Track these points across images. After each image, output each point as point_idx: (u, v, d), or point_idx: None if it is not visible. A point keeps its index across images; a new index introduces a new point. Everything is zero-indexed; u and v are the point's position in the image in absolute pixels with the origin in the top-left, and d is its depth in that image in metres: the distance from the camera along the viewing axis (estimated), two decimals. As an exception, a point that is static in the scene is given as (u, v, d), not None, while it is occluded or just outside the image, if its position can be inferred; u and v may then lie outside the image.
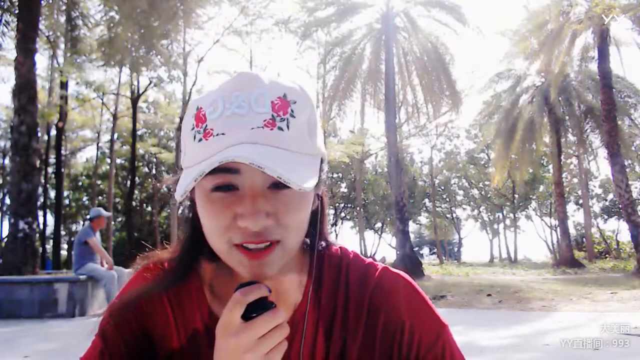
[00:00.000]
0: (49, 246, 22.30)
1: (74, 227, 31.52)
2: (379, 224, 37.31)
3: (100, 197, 28.95)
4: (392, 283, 0.69)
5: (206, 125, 0.57)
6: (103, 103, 24.73)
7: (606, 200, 32.86)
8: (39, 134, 10.41)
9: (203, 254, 0.67)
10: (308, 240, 0.69)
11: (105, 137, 26.15)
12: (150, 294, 0.68)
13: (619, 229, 31.46)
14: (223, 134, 0.55)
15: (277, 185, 0.56)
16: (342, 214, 34.34)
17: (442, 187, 36.54)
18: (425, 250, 56.57)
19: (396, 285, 0.69)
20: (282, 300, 0.67)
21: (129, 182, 23.54)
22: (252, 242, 0.56)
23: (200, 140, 0.57)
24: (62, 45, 15.40)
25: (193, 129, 0.58)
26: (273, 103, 0.57)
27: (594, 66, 15.62)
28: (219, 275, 0.69)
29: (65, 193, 28.41)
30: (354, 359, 0.67)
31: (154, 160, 30.55)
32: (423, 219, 41.56)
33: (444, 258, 37.12)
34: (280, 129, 0.56)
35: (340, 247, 0.74)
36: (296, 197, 0.57)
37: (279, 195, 0.57)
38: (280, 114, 0.57)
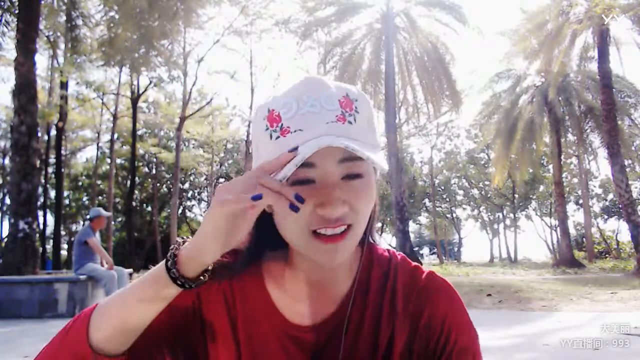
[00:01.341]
0: (49, 246, 22.32)
1: (74, 227, 31.53)
2: (378, 224, 37.30)
3: (100, 197, 28.96)
4: (438, 286, 0.75)
5: (282, 124, 0.63)
6: (103, 103, 24.74)
7: (606, 200, 32.86)
8: (39, 134, 10.41)
9: (267, 249, 0.74)
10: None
11: (105, 137, 26.17)
12: (211, 281, 0.70)
13: (619, 229, 31.49)
14: (301, 130, 0.62)
15: (349, 176, 0.64)
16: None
17: (442, 187, 36.54)
18: (425, 250, 56.58)
19: (441, 288, 0.75)
20: (331, 290, 0.73)
21: (129, 182, 23.54)
22: (330, 226, 0.63)
23: (277, 137, 0.63)
24: (62, 45, 15.39)
25: (267, 129, 0.64)
26: (340, 101, 0.65)
27: (593, 66, 15.62)
28: (280, 268, 0.74)
29: (65, 193, 28.42)
30: (399, 351, 0.72)
31: (154, 160, 30.54)
32: (423, 219, 41.56)
33: (444, 258, 37.13)
34: (350, 122, 0.64)
35: (388, 250, 0.81)
36: (365, 186, 0.65)
37: (351, 185, 0.64)
38: (348, 110, 0.64)
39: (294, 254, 0.72)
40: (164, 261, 0.62)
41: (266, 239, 0.72)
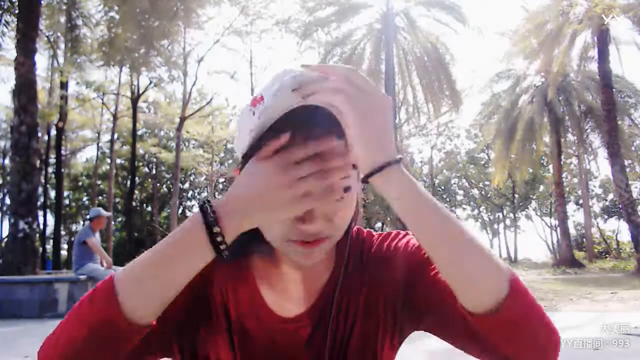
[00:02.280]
0: (49, 246, 22.32)
1: (74, 227, 31.53)
2: (379, 224, 37.33)
3: (100, 197, 28.97)
4: (394, 239, 0.80)
5: (263, 102, 0.63)
6: (103, 103, 24.74)
7: (606, 200, 32.86)
8: (39, 134, 10.40)
9: (254, 245, 0.74)
10: None
11: (105, 137, 26.17)
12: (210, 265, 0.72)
13: (619, 229, 31.49)
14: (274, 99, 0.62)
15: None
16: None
17: (442, 187, 36.53)
18: (425, 250, 56.51)
19: (396, 238, 0.80)
20: (314, 282, 0.76)
21: (129, 182, 23.55)
22: (308, 241, 0.64)
23: (255, 113, 0.64)
24: (62, 45, 15.39)
25: (250, 110, 0.65)
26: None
27: (593, 66, 15.62)
28: (266, 264, 0.76)
29: (65, 193, 28.41)
30: (381, 322, 0.76)
31: (154, 160, 30.54)
32: (423, 219, 41.47)
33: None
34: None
35: (359, 229, 0.83)
36: (348, 201, 0.66)
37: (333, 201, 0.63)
38: None
39: (277, 249, 0.72)
40: (196, 218, 0.58)
41: (254, 234, 0.70)
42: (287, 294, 0.76)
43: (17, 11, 9.67)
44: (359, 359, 0.75)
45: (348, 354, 0.75)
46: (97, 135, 26.66)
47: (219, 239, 0.57)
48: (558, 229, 21.89)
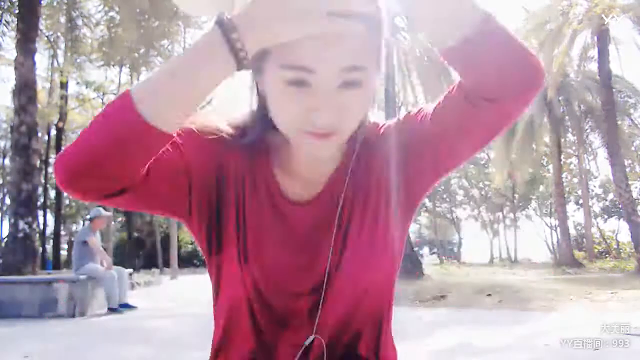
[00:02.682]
0: (49, 246, 22.31)
1: (74, 227, 31.53)
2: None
3: (100, 197, 28.92)
4: (389, 125, 0.83)
5: None
6: (103, 103, 24.74)
7: (606, 200, 32.84)
8: (39, 134, 10.40)
9: (269, 134, 0.77)
10: None
11: (105, 137, 26.13)
12: (229, 145, 0.77)
13: (619, 229, 31.44)
14: None
15: (347, 84, 0.63)
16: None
17: (442, 187, 36.54)
18: (425, 250, 56.54)
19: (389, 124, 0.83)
20: (324, 168, 0.79)
21: (129, 182, 23.52)
22: (320, 132, 0.65)
23: None
24: (62, 45, 15.38)
25: None
26: None
27: (593, 66, 15.62)
28: (281, 147, 0.78)
29: (65, 193, 28.39)
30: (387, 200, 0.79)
31: (154, 160, 30.54)
32: (423, 219, 41.55)
33: (443, 258, 37.12)
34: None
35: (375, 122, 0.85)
36: (362, 97, 0.66)
37: (347, 95, 0.64)
38: None
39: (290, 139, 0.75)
40: (213, 30, 0.58)
41: (268, 122, 0.73)
42: (299, 179, 0.78)
43: (17, 11, 9.67)
44: (367, 242, 0.78)
45: (352, 235, 0.78)
46: (97, 135, 26.65)
47: (238, 45, 0.57)
48: (558, 229, 21.90)
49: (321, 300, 0.77)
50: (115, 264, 6.69)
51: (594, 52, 14.81)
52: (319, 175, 0.79)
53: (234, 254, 0.77)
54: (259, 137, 0.77)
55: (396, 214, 0.81)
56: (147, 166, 0.65)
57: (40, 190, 12.81)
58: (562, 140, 20.41)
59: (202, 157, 0.75)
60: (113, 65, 16.04)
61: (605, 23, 12.70)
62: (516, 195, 31.66)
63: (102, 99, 24.66)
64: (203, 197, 0.77)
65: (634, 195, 17.55)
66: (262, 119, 0.74)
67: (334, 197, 0.79)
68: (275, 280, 0.77)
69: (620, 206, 14.97)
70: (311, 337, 0.77)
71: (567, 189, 26.93)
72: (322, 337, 0.77)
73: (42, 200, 21.16)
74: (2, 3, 11.16)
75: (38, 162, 8.78)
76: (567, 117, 19.74)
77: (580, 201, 28.06)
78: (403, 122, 0.81)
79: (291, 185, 0.79)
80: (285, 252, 0.78)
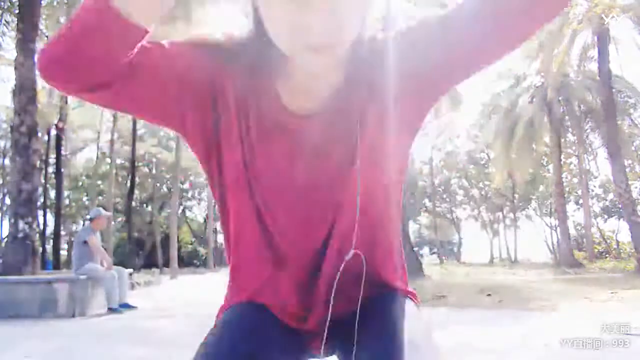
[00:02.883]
0: (49, 246, 22.31)
1: (74, 227, 31.53)
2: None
3: (100, 197, 28.95)
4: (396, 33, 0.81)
5: None
6: (103, 103, 24.71)
7: (606, 200, 32.84)
8: (39, 134, 10.39)
9: (268, 45, 0.75)
10: None
11: (105, 137, 26.15)
12: (229, 60, 0.78)
13: (619, 229, 31.44)
14: None
15: None
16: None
17: (442, 187, 36.54)
18: (425, 250, 56.56)
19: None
20: (325, 80, 0.78)
21: (129, 182, 23.54)
22: (316, 44, 0.65)
23: None
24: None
25: None
26: None
27: (593, 66, 15.62)
28: (282, 60, 0.76)
29: (65, 193, 28.40)
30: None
31: (154, 160, 30.53)
32: (423, 219, 41.56)
33: (443, 258, 37.11)
34: None
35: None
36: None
37: None
38: None
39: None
40: None
41: (267, 41, 0.73)
42: (302, 93, 0.78)
43: (17, 11, 9.66)
44: (377, 151, 0.79)
45: (362, 144, 0.78)
46: (97, 135, 26.64)
47: None
48: (558, 229, 21.90)
49: (335, 209, 0.79)
50: (115, 264, 6.69)
51: (594, 52, 14.82)
52: (322, 87, 0.79)
53: (240, 173, 0.78)
54: (259, 53, 0.77)
55: (402, 125, 0.82)
56: (132, 64, 0.68)
57: (40, 190, 12.80)
58: (562, 140, 20.41)
59: (199, 70, 0.76)
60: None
61: (605, 23, 12.70)
62: (516, 195, 31.66)
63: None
64: (199, 110, 0.77)
65: (634, 195, 17.55)
66: (260, 36, 0.74)
67: (339, 108, 0.79)
68: (286, 193, 0.79)
69: (620, 206, 14.96)
70: (351, 252, 0.78)
71: (567, 189, 26.93)
72: (336, 244, 0.79)
73: (42, 200, 21.16)
74: (2, 3, 11.15)
75: (38, 162, 8.77)
76: (567, 117, 19.74)
77: (580, 201, 28.05)
78: (408, 31, 0.79)
79: (295, 99, 0.79)
80: (294, 166, 0.79)
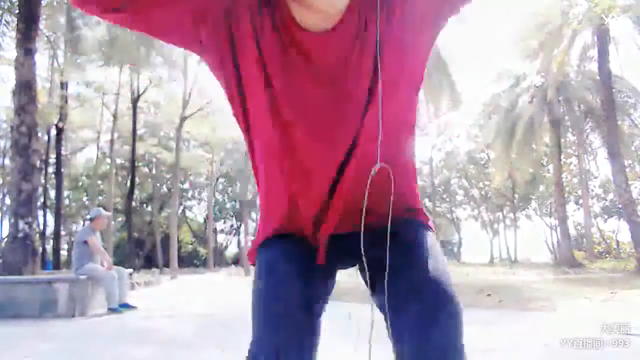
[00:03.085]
0: (49, 246, 22.30)
1: (74, 227, 31.53)
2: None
3: (100, 197, 28.95)
4: None
5: None
6: (103, 103, 24.72)
7: (606, 200, 32.83)
8: (39, 134, 10.39)
9: None
10: None
11: (105, 137, 26.14)
12: None
13: (619, 229, 31.44)
14: None
15: None
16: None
17: (442, 187, 36.53)
18: (425, 250, 56.51)
19: None
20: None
21: (129, 182, 23.54)
22: None
23: None
24: (62, 45, 15.36)
25: None
26: None
27: (593, 66, 15.61)
28: None
29: (65, 193, 28.39)
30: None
31: (154, 160, 30.51)
32: (423, 219, 41.35)
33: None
34: None
35: None
36: None
37: None
38: None
39: None
40: None
41: None
42: (317, 11, 0.80)
43: (17, 11, 9.66)
44: (396, 65, 0.82)
45: (384, 58, 0.81)
46: (97, 135, 26.64)
47: None
48: (558, 229, 21.89)
49: (356, 124, 0.82)
50: (115, 264, 6.68)
51: (594, 52, 14.80)
52: (336, 5, 0.80)
53: (260, 90, 0.82)
54: None
55: (416, 40, 0.86)
56: None
57: (40, 190, 12.80)
58: (562, 140, 20.39)
59: None
60: (113, 65, 16.02)
61: (605, 23, 12.69)
62: (516, 195, 31.66)
63: (102, 99, 24.66)
64: (215, 31, 0.82)
65: (634, 195, 17.55)
66: None
67: (355, 24, 0.81)
68: (307, 109, 0.82)
69: (620, 206, 14.96)
70: (377, 165, 0.81)
71: (567, 189, 26.92)
72: (358, 157, 0.84)
73: (42, 200, 21.16)
74: (2, 3, 11.14)
75: (38, 162, 8.77)
76: (567, 117, 19.73)
77: (580, 201, 28.05)
78: None
79: (309, 18, 0.81)
80: (313, 83, 0.82)
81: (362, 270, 0.92)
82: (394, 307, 0.82)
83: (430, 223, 0.97)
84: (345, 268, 0.99)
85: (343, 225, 0.89)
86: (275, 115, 0.83)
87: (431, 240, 0.90)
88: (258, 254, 0.96)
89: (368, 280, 0.92)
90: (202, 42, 0.84)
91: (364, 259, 0.84)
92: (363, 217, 0.82)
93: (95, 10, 0.79)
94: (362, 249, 0.84)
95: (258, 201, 0.99)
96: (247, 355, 0.85)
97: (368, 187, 0.81)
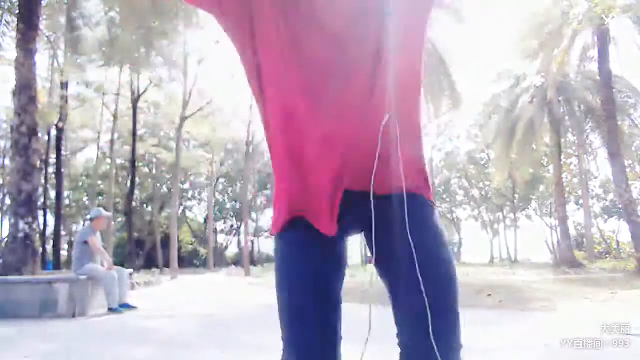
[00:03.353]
0: (49, 246, 22.30)
1: (74, 227, 31.52)
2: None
3: (100, 197, 28.95)
4: None
5: None
6: (103, 103, 24.73)
7: (606, 200, 32.84)
8: (39, 134, 10.38)
9: None
10: None
11: (105, 137, 26.15)
12: None
13: (619, 229, 31.44)
14: None
15: None
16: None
17: (442, 187, 36.53)
18: (425, 250, 56.50)
19: None
20: None
21: (129, 182, 23.54)
22: None
23: None
24: (62, 45, 15.36)
25: None
26: None
27: (593, 66, 15.61)
28: None
29: (65, 193, 28.38)
30: None
31: (154, 160, 30.51)
32: (423, 219, 41.34)
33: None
34: None
35: None
36: None
37: None
38: None
39: None
40: None
41: None
42: None
43: (17, 11, 9.66)
44: (403, 25, 0.90)
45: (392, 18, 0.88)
46: (97, 135, 26.64)
47: None
48: (558, 229, 21.88)
49: (371, 77, 0.88)
50: (115, 264, 6.69)
51: (594, 52, 14.80)
52: None
53: (276, 44, 0.88)
54: None
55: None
56: None
57: (40, 190, 12.80)
58: (562, 140, 20.38)
59: None
60: (113, 65, 16.02)
61: (605, 23, 12.69)
62: (516, 195, 31.66)
63: (102, 99, 24.67)
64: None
65: (634, 195, 17.54)
66: None
67: None
68: (324, 68, 0.88)
69: (620, 206, 14.96)
70: (387, 116, 0.89)
71: (567, 189, 26.91)
72: (376, 117, 0.90)
73: (42, 200, 21.15)
74: (2, 3, 11.14)
75: (38, 162, 8.76)
76: (567, 117, 19.72)
77: (580, 201, 28.05)
78: None
79: None
80: (326, 35, 0.88)
81: (367, 235, 0.98)
82: (397, 299, 0.96)
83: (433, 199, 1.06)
84: (353, 234, 1.06)
85: (356, 184, 0.95)
86: (287, 79, 0.90)
87: (440, 225, 1.01)
88: (277, 239, 1.03)
89: (373, 248, 0.98)
90: (222, 4, 0.93)
91: (372, 214, 0.91)
92: (374, 172, 0.90)
93: None
94: (372, 201, 0.91)
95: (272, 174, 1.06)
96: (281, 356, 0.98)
97: (381, 134, 0.89)
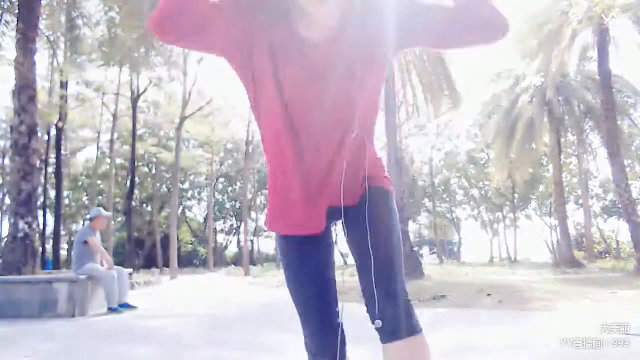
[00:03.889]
0: (49, 246, 22.31)
1: (74, 227, 31.52)
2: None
3: (100, 197, 28.95)
4: None
5: None
6: (103, 103, 24.73)
7: (606, 200, 32.85)
8: (39, 134, 10.38)
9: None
10: None
11: (105, 137, 26.16)
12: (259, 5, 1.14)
13: (619, 229, 31.44)
14: None
15: None
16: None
17: (442, 187, 36.53)
18: (426, 250, 56.54)
19: None
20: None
21: (129, 182, 23.54)
22: None
23: None
24: (62, 45, 15.36)
25: None
26: None
27: (593, 66, 15.61)
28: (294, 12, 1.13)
29: (65, 193, 28.39)
30: None
31: (154, 160, 30.51)
32: (423, 219, 41.54)
33: (443, 258, 37.10)
34: None
35: None
36: None
37: None
38: None
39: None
40: None
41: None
42: (312, 14, 1.09)
43: (17, 11, 9.66)
44: (366, 77, 1.15)
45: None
46: (97, 135, 26.65)
47: None
48: (558, 229, 21.89)
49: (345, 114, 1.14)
50: (115, 264, 6.68)
51: (594, 52, 14.79)
52: (325, 22, 1.12)
53: (270, 83, 1.09)
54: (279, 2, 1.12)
55: (381, 60, 1.17)
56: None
57: (40, 190, 12.80)
58: (562, 140, 20.38)
59: (238, 15, 1.09)
60: (113, 65, 16.02)
61: (605, 23, 12.69)
62: (516, 195, 31.66)
63: (102, 99, 24.68)
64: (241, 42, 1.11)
65: (634, 195, 17.54)
66: None
67: (342, 41, 1.13)
68: (307, 100, 1.12)
69: (620, 206, 14.96)
70: (354, 132, 1.15)
71: (567, 189, 26.92)
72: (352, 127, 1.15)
73: (42, 200, 21.15)
74: (2, 3, 11.15)
75: (38, 162, 8.76)
76: (567, 117, 19.72)
77: (580, 201, 28.06)
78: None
79: (308, 31, 1.12)
80: (311, 80, 1.11)
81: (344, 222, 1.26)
82: (359, 261, 1.22)
83: (391, 188, 1.29)
84: (334, 222, 1.33)
85: (336, 202, 1.20)
86: (282, 104, 1.11)
87: (394, 206, 1.27)
88: (279, 240, 1.30)
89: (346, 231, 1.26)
90: (228, 50, 1.14)
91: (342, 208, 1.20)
92: (342, 178, 1.16)
93: (173, 40, 1.06)
94: (342, 199, 1.18)
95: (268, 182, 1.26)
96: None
97: (344, 170, 1.16)
